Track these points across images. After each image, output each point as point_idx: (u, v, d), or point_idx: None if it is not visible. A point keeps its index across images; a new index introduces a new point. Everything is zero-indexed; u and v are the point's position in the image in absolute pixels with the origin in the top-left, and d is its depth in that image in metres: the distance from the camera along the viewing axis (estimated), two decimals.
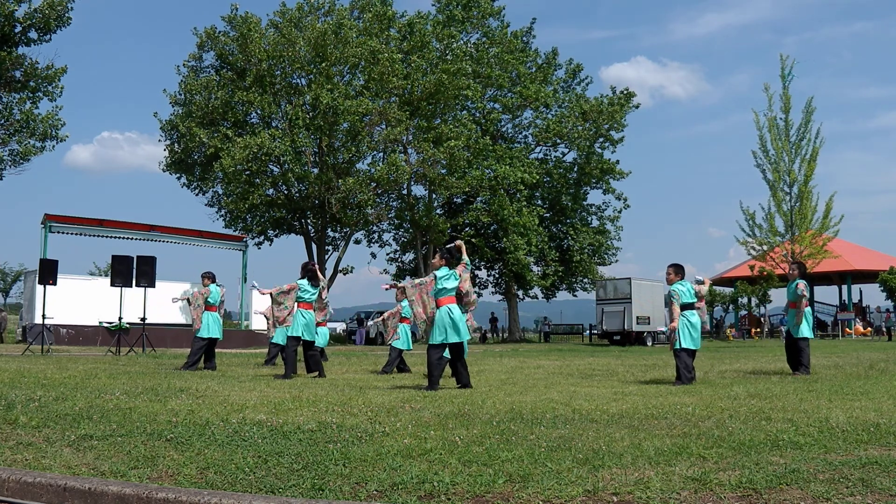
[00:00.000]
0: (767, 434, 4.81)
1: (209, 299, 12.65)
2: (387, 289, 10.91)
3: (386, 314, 12.53)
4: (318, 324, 11.32)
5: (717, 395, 7.45)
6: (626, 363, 14.44)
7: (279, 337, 13.56)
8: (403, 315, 12.19)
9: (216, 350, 13.34)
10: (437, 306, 8.66)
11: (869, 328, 39.49)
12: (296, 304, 10.85)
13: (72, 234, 24.98)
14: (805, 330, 10.83)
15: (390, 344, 12.30)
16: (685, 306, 9.57)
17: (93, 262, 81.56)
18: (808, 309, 10.95)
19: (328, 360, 15.08)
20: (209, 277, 12.77)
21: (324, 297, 11.25)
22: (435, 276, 8.72)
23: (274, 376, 10.43)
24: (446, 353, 8.86)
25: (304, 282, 10.84)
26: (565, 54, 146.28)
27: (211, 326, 12.50)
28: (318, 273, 11.12)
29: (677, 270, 9.87)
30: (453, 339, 8.51)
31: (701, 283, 9.89)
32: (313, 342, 10.95)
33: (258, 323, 25.61)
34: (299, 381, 9.63)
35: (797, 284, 11.03)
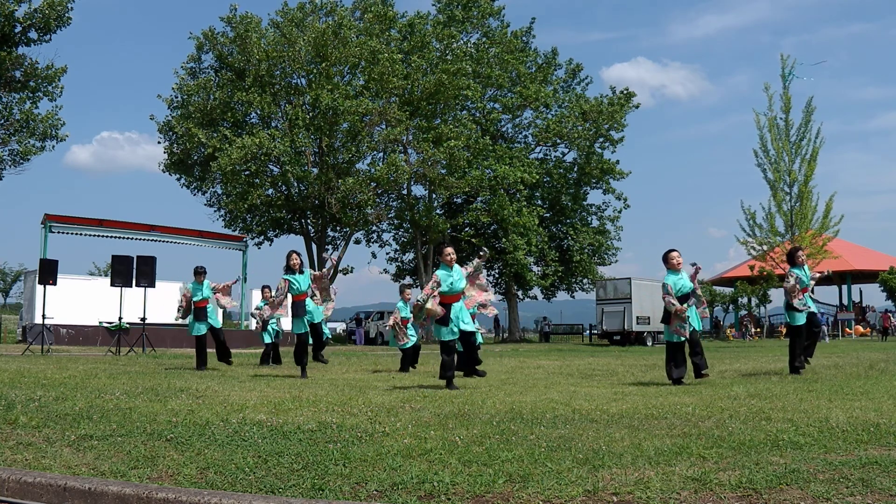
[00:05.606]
0: (767, 434, 4.81)
1: (194, 298, 12.39)
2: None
3: (391, 321, 12.38)
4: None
5: (717, 395, 7.44)
6: (626, 363, 14.44)
7: (268, 336, 13.96)
8: (403, 316, 12.09)
9: (222, 340, 12.97)
10: (451, 303, 8.54)
11: (869, 328, 39.51)
12: (291, 298, 10.61)
13: (72, 234, 25.01)
14: (798, 317, 9.97)
15: (400, 347, 12.20)
16: (680, 299, 8.97)
17: (93, 262, 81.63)
18: (807, 296, 10.04)
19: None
20: (200, 273, 12.46)
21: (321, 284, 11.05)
22: (450, 278, 8.54)
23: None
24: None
25: (289, 276, 10.47)
26: (565, 55, 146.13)
27: (194, 323, 12.36)
28: (296, 261, 10.53)
29: (663, 259, 9.19)
30: (451, 337, 8.58)
31: (694, 264, 9.16)
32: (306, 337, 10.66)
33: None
34: (300, 381, 9.63)
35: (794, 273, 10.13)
